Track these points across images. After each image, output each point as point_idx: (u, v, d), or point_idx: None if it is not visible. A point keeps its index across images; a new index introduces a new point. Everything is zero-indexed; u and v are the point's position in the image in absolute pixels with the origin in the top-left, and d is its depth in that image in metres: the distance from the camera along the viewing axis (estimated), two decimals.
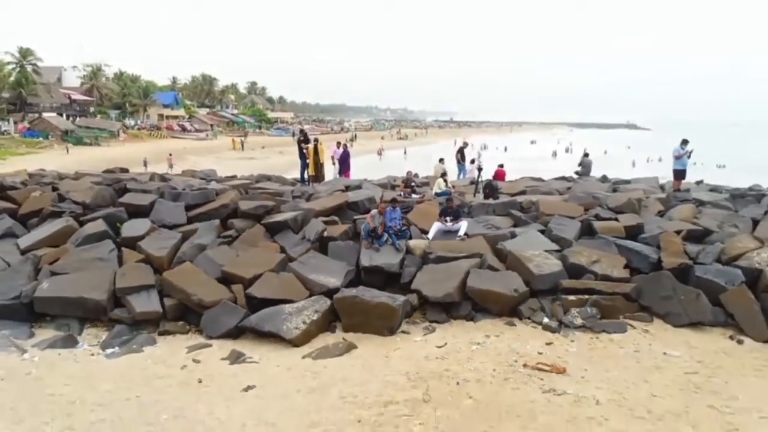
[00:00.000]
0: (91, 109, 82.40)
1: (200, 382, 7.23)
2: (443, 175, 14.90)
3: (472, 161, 19.61)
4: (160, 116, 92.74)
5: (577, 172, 19.36)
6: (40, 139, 58.98)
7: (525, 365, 7.25)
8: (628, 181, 17.13)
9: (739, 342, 8.22)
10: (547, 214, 11.36)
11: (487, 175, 17.36)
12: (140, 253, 10.17)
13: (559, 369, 7.17)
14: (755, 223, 10.84)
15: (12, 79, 68.12)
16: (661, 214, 11.66)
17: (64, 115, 75.24)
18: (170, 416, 6.13)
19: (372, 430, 5.66)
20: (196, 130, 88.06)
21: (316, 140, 17.09)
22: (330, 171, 19.30)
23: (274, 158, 55.97)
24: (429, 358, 7.55)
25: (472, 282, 9.05)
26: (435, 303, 9.04)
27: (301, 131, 18.58)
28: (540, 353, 7.66)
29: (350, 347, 8.08)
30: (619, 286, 9.09)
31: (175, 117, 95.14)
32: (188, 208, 11.73)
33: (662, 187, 15.71)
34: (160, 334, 8.90)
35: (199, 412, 6.25)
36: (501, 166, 18.86)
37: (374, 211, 10.65)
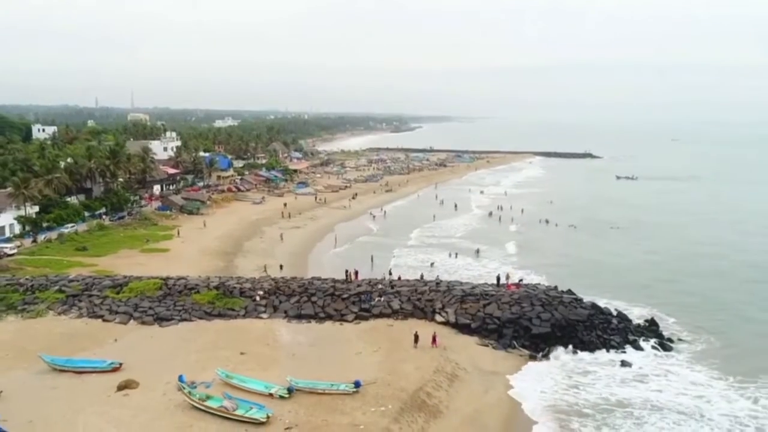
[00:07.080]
0: (178, 178, 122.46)
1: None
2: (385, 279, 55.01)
3: (390, 273, 60.00)
4: (218, 177, 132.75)
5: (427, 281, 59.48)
6: (168, 212, 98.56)
7: (388, 324, 47.31)
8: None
9: (432, 322, 48.32)
10: (403, 296, 51.30)
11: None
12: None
13: (391, 324, 47.25)
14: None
15: (139, 167, 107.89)
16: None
17: (163, 185, 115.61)
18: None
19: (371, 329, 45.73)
20: (246, 189, 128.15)
21: (351, 273, 57.04)
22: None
23: (311, 225, 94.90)
24: (375, 323, 47.64)
25: (382, 310, 49.06)
26: (377, 315, 48.92)
27: (346, 272, 58.63)
28: (389, 323, 47.69)
29: (362, 321, 48.11)
30: (408, 312, 49.07)
31: (227, 177, 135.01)
32: (324, 293, 51.67)
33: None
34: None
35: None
36: (400, 275, 59.00)
37: (364, 295, 50.68)
